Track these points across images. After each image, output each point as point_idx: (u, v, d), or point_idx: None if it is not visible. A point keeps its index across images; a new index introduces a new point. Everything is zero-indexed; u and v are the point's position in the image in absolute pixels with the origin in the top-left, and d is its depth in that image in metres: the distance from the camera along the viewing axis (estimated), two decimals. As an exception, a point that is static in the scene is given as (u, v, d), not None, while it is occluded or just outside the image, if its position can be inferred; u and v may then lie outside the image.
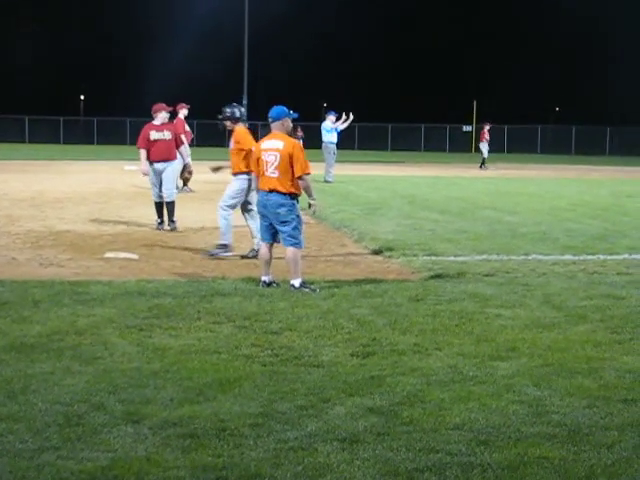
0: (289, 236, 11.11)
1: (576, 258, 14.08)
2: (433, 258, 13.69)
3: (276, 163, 11.10)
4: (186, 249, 14.52)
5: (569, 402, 6.69)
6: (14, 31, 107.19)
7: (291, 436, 5.87)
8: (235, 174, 13.83)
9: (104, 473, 5.24)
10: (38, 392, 6.67)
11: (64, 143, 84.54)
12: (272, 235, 11.33)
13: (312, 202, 11.31)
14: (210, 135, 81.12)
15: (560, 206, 23.58)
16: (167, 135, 17.58)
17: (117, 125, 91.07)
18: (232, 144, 13.95)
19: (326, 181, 31.62)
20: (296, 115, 11.45)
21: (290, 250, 11.14)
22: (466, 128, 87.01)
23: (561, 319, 9.61)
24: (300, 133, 75.63)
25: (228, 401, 6.56)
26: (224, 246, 13.86)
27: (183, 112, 25.58)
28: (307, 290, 10.89)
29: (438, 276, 12.14)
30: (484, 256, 14.08)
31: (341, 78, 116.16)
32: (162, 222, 17.56)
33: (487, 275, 12.28)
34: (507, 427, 6.12)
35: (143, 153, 17.62)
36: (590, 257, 14.22)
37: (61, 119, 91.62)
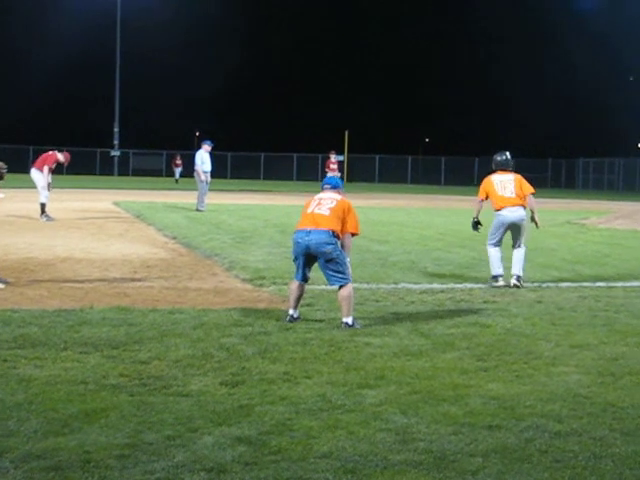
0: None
1: (444, 287, 14.31)
2: (304, 287, 13.70)
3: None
4: (53, 279, 14.25)
5: (435, 429, 6.77)
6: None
7: (158, 467, 5.81)
8: None
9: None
10: None
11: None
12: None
13: None
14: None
15: (429, 235, 23.95)
16: None
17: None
18: None
19: (197, 210, 31.39)
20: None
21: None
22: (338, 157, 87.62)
23: (429, 347, 9.73)
24: (179, 161, 75.05)
25: (94, 432, 6.45)
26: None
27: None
28: (358, 327, 10.81)
29: (308, 305, 12.17)
30: (354, 285, 14.14)
31: (214, 107, 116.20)
32: None
33: (357, 303, 12.35)
34: (374, 455, 6.17)
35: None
36: (458, 285, 14.48)
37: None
